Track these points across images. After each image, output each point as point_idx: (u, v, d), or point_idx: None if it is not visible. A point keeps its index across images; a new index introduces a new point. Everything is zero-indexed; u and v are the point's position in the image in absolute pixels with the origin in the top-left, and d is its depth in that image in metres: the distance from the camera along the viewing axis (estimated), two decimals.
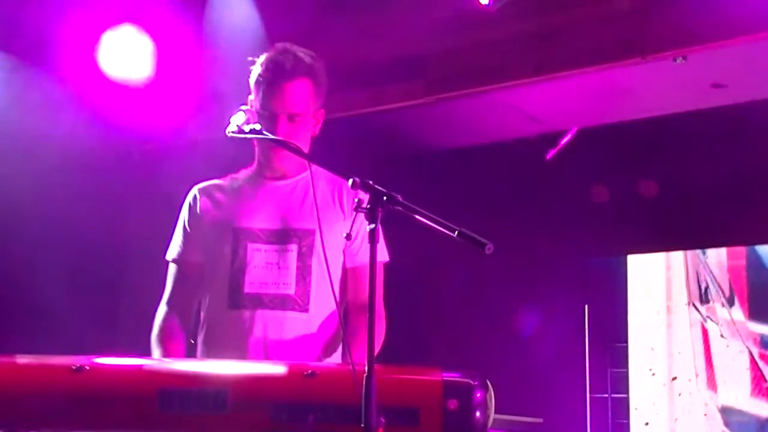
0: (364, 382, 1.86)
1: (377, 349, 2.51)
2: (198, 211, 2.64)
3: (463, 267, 4.62)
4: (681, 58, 4.01)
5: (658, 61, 4.10)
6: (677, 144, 5.24)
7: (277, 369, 2.13)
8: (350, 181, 2.09)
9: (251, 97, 2.59)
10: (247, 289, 2.53)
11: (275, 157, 2.59)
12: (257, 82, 2.57)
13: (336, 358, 2.58)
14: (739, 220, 5.26)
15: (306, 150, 2.56)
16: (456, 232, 2.01)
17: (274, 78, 2.54)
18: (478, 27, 4.36)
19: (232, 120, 2.40)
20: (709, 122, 4.92)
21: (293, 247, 2.55)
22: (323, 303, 2.54)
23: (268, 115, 2.53)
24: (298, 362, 2.23)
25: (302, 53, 2.59)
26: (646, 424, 5.57)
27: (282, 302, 2.52)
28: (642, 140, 5.24)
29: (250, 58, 2.62)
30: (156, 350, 2.55)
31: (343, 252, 2.60)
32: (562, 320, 5.57)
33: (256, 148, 2.64)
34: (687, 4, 3.90)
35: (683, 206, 5.32)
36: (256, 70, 2.58)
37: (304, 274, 2.54)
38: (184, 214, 2.68)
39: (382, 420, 1.87)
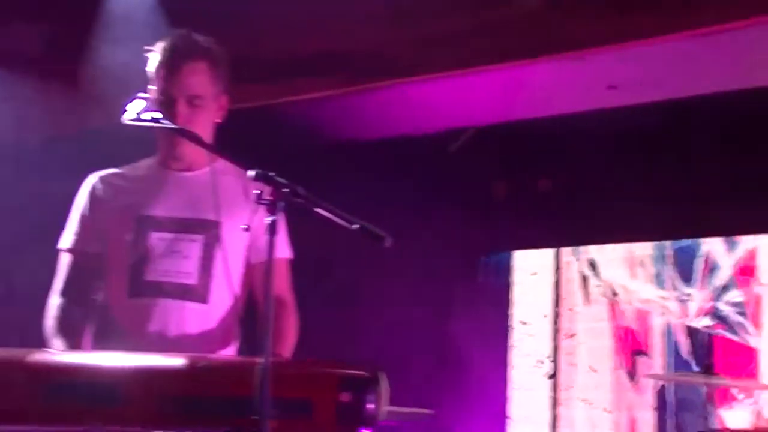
0: (258, 374, 1.84)
1: (291, 343, 2.53)
2: (98, 198, 2.54)
3: (362, 260, 4.61)
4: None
5: (557, 62, 4.16)
6: (574, 143, 5.31)
7: (170, 361, 2.07)
8: (251, 172, 2.04)
9: (151, 85, 2.52)
10: (148, 277, 2.46)
11: (178, 146, 2.50)
12: (156, 68, 2.51)
13: (234, 350, 2.55)
14: (631, 218, 5.35)
15: (209, 137, 2.50)
16: (356, 225, 2.01)
17: (171, 60, 2.48)
18: (392, 22, 4.35)
19: (129, 108, 2.31)
20: (604, 122, 5.00)
21: (198, 238, 2.49)
22: (224, 295, 2.50)
23: (166, 100, 2.46)
24: (191, 354, 2.18)
25: (200, 37, 2.54)
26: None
27: (182, 292, 2.46)
28: (540, 138, 5.30)
29: (147, 47, 2.56)
30: (55, 342, 2.45)
31: (248, 247, 2.55)
32: (460, 314, 5.61)
33: (159, 138, 2.55)
34: (584, 8, 3.97)
35: (576, 204, 5.40)
36: (155, 56, 2.52)
37: (206, 265, 2.48)
38: (81, 201, 2.58)
39: (276, 412, 1.85)
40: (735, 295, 5.01)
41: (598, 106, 4.84)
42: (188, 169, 2.55)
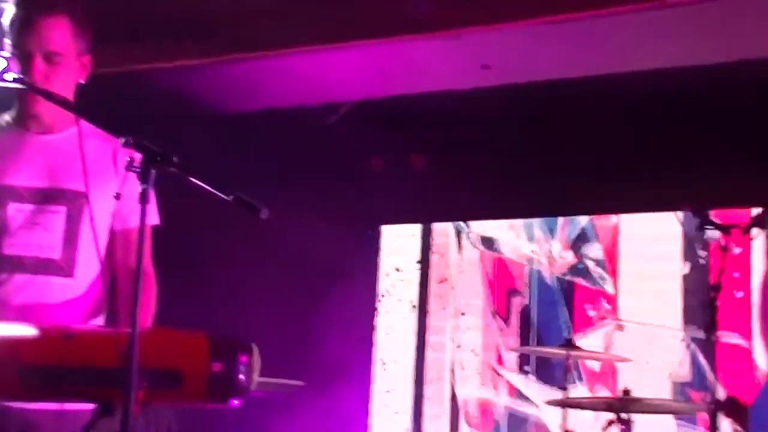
0: (126, 345, 1.80)
1: (151, 313, 2.46)
2: None
3: (235, 231, 4.56)
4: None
5: (433, 41, 4.20)
6: (449, 120, 5.39)
7: (33, 331, 2.00)
8: (122, 139, 1.97)
9: (6, 38, 2.36)
10: (6, 251, 2.33)
11: (36, 105, 2.35)
12: (11, 22, 2.35)
13: (102, 321, 2.47)
14: (501, 194, 5.48)
15: (70, 98, 2.36)
16: (231, 197, 1.98)
17: (28, 14, 2.33)
18: None
19: None
20: (479, 101, 5.07)
21: (61, 209, 2.38)
22: (90, 268, 2.41)
23: (22, 55, 2.31)
24: (55, 325, 2.13)
25: None
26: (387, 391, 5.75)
27: (45, 266, 2.36)
28: (416, 114, 5.35)
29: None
30: None
31: (113, 214, 2.45)
32: (339, 286, 5.67)
33: (16, 96, 2.40)
34: None
35: (449, 180, 5.48)
36: (10, 8, 2.37)
37: (71, 238, 2.38)
38: None
39: (144, 383, 1.83)
40: (595, 248, 5.34)
41: (473, 85, 4.92)
42: (49, 132, 2.42)
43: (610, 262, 5.30)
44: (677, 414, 4.92)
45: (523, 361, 5.42)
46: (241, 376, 1.92)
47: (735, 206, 4.81)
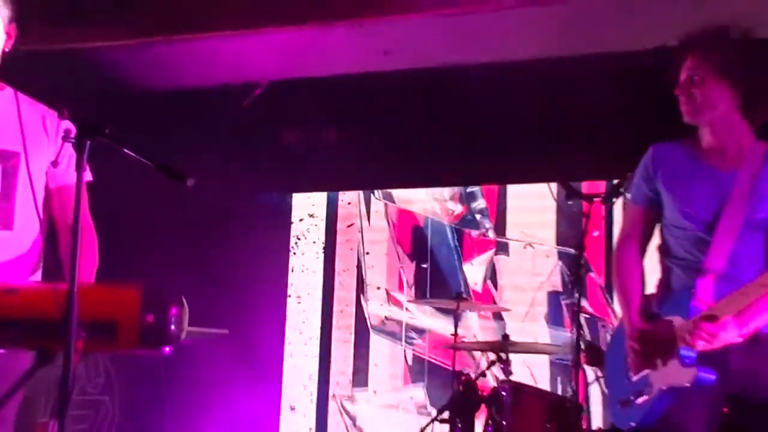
0: (65, 298, 1.77)
1: (94, 262, 2.41)
2: None
3: (166, 196, 4.49)
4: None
5: (341, 28, 4.18)
6: (357, 98, 5.40)
7: None
8: (60, 111, 1.97)
9: None
10: None
11: None
12: None
13: (40, 275, 2.42)
14: (399, 167, 5.52)
15: None
16: (160, 166, 1.98)
17: None
18: None
19: None
20: (380, 83, 5.08)
21: None
22: (28, 221, 2.34)
23: None
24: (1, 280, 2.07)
25: None
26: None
27: None
28: (327, 94, 5.34)
29: None
30: None
31: (47, 173, 2.38)
32: (256, 238, 5.65)
33: None
34: None
35: (357, 152, 5.50)
36: None
37: (7, 193, 2.32)
38: None
39: (83, 333, 1.80)
40: (480, 203, 5.54)
41: (376, 69, 4.92)
42: None
43: (493, 213, 5.49)
44: (546, 354, 5.10)
45: (421, 292, 5.57)
46: (172, 327, 1.92)
47: (598, 179, 5.00)
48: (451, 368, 4.47)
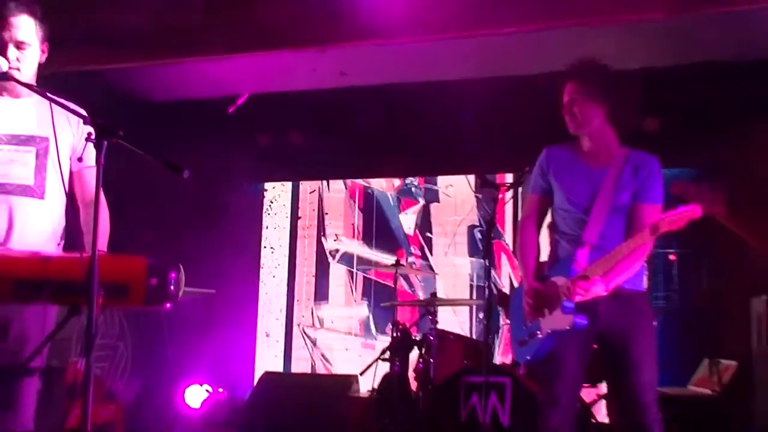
0: (88, 265, 1.78)
1: (106, 233, 2.38)
2: None
3: (167, 183, 4.45)
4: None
5: (307, 52, 4.16)
6: (318, 110, 5.37)
7: (20, 254, 1.96)
8: (83, 115, 1.98)
9: None
10: None
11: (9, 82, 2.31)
12: None
13: (62, 244, 2.39)
14: (351, 162, 5.54)
15: (34, 71, 2.33)
16: (159, 161, 1.98)
17: (1, 14, 2.29)
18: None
19: None
20: (338, 96, 5.08)
21: (32, 149, 2.31)
22: (56, 194, 2.34)
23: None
24: (38, 252, 2.06)
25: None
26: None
27: (23, 190, 2.28)
28: (294, 105, 5.32)
29: None
30: None
31: (69, 158, 2.39)
32: (236, 219, 5.64)
33: None
34: (329, 6, 3.94)
35: (316, 151, 5.48)
36: None
37: (40, 169, 2.31)
38: None
39: (102, 293, 1.80)
40: (414, 180, 5.66)
41: (335, 86, 4.90)
42: (18, 97, 2.36)
43: (422, 186, 5.63)
44: (468, 305, 5.19)
45: (369, 237, 5.67)
46: (172, 288, 1.92)
47: (504, 171, 5.11)
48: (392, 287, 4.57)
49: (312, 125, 5.43)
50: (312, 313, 5.72)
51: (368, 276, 5.61)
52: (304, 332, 5.72)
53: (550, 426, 2.47)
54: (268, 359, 5.70)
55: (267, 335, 5.76)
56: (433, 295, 4.21)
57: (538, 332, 2.54)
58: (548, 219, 2.71)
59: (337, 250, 5.73)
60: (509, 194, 4.53)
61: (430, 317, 4.05)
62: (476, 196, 5.43)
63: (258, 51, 4.15)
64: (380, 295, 5.47)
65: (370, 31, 3.83)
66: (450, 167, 5.41)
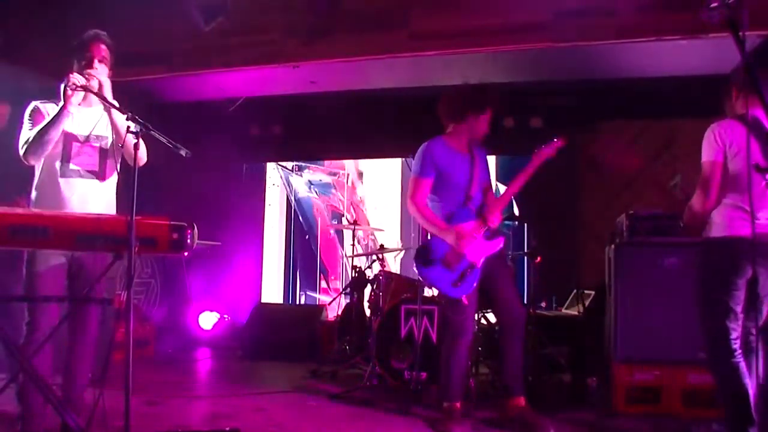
0: (128, 224, 1.86)
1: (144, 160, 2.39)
2: (44, 117, 2.31)
3: (180, 162, 4.47)
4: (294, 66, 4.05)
5: (283, 68, 4.20)
6: (294, 109, 5.37)
7: (83, 216, 1.99)
8: (126, 114, 2.03)
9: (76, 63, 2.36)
10: (72, 166, 2.35)
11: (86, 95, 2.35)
12: (78, 47, 2.38)
13: (115, 209, 2.48)
14: (318, 149, 5.53)
15: (108, 83, 2.32)
16: (173, 143, 2.03)
17: (86, 40, 2.37)
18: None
19: (71, 78, 2.24)
20: (309, 100, 5.08)
21: (97, 144, 2.37)
22: (111, 177, 2.43)
23: (86, 63, 2.33)
24: (93, 213, 2.13)
25: (100, 32, 2.42)
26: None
27: (91, 174, 2.36)
28: (277, 105, 5.33)
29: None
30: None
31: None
32: (243, 190, 5.58)
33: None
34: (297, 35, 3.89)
35: (293, 140, 5.45)
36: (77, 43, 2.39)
37: (103, 158, 2.39)
38: (33, 119, 2.32)
39: (137, 244, 1.87)
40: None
41: (307, 91, 4.89)
42: (88, 106, 2.40)
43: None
44: (403, 250, 5.18)
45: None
46: (188, 240, 1.92)
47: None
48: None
49: (289, 120, 5.41)
50: None
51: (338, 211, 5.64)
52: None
53: (460, 321, 2.54)
54: (271, 293, 5.75)
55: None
56: (382, 246, 4.25)
57: (470, 267, 2.50)
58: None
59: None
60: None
61: (380, 262, 4.06)
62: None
63: (250, 66, 4.18)
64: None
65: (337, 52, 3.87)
66: (383, 151, 5.43)
